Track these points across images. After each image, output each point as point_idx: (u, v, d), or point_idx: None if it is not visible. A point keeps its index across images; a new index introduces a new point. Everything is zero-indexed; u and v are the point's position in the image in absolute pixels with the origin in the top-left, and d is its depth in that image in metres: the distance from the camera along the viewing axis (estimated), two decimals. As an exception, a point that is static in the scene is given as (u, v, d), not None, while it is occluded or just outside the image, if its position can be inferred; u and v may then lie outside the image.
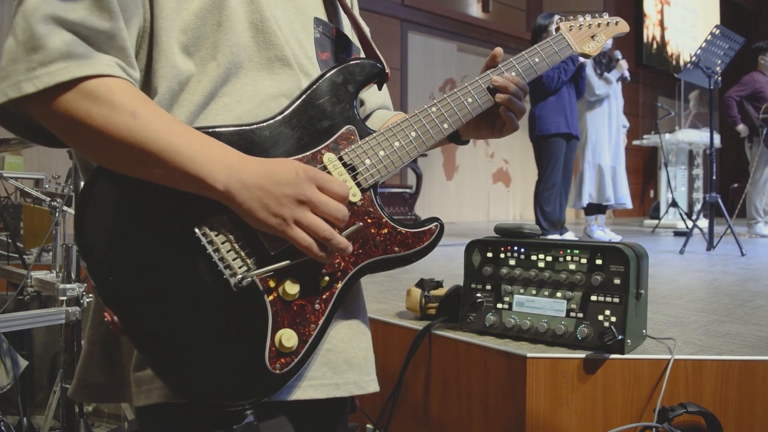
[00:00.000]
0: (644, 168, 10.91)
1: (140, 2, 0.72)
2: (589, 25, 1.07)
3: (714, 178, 4.16)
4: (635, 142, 7.51)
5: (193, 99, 0.76)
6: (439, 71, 8.08)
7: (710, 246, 4.06)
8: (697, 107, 8.44)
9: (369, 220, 0.80)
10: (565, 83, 4.22)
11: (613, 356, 1.25)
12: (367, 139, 0.82)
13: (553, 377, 1.26)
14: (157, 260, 0.70)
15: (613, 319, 1.24)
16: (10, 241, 2.63)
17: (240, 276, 0.71)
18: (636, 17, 10.66)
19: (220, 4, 0.76)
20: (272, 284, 0.73)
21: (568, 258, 1.30)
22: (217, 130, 0.73)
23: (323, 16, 0.91)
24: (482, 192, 8.76)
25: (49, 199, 2.23)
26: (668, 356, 1.25)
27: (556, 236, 4.14)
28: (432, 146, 0.89)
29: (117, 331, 0.68)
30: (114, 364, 0.82)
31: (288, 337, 0.73)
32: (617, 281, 1.24)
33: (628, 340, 1.24)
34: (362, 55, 0.97)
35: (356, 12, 1.02)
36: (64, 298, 1.96)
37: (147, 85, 0.75)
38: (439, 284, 1.64)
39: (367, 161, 0.81)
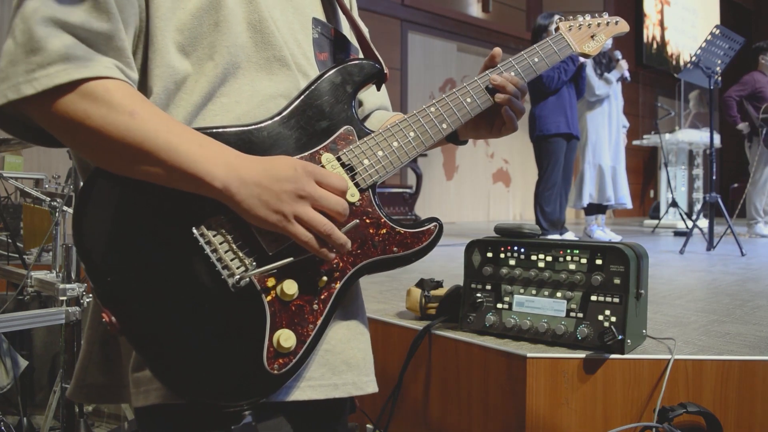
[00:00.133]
0: (644, 168, 10.91)
1: (136, 2, 0.72)
2: (589, 24, 1.07)
3: (714, 178, 4.16)
4: (635, 142, 7.51)
5: (191, 99, 0.76)
6: (439, 71, 8.08)
7: (710, 246, 4.06)
8: (697, 107, 8.44)
9: (367, 221, 0.80)
10: (566, 83, 4.21)
11: (613, 356, 1.25)
12: (365, 139, 0.82)
13: (553, 377, 1.26)
14: (155, 261, 0.70)
15: (613, 319, 1.24)
16: (10, 241, 2.63)
17: (238, 276, 0.71)
18: (636, 17, 10.66)
19: (217, 4, 0.76)
20: (270, 284, 0.73)
21: (568, 258, 1.30)
22: (215, 130, 0.73)
23: (322, 17, 0.91)
24: (482, 192, 8.76)
25: (49, 199, 2.23)
26: (668, 356, 1.25)
27: (556, 236, 4.14)
28: (431, 146, 0.89)
29: (115, 331, 0.68)
30: (112, 365, 0.82)
31: (286, 338, 0.72)
32: (617, 281, 1.24)
33: (628, 340, 1.24)
34: (361, 55, 0.96)
35: (355, 12, 1.02)
36: (64, 298, 1.96)
37: (143, 85, 0.75)
38: (439, 284, 1.64)
39: (366, 161, 0.81)
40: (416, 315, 1.64)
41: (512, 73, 0.94)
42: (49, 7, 0.64)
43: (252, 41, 0.79)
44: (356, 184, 0.80)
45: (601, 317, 1.25)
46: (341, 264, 0.78)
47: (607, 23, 1.09)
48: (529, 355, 1.26)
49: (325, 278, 0.77)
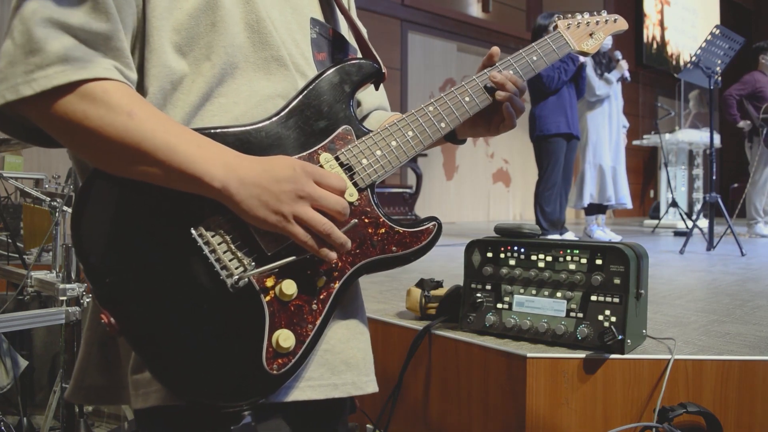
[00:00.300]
0: (644, 168, 10.91)
1: (134, 2, 0.72)
2: (588, 23, 1.06)
3: (714, 178, 4.16)
4: (635, 142, 7.51)
5: (188, 99, 0.76)
6: (439, 71, 8.08)
7: (710, 246, 4.05)
8: (697, 107, 8.44)
9: (366, 220, 0.80)
10: (566, 83, 4.21)
11: (613, 356, 1.25)
12: (363, 138, 0.82)
13: (553, 377, 1.25)
14: (153, 261, 0.70)
15: (613, 319, 1.23)
16: (10, 241, 2.63)
17: (236, 276, 0.71)
18: (636, 17, 10.66)
19: (215, 4, 0.76)
20: (269, 284, 0.73)
21: (568, 258, 1.30)
22: (213, 131, 0.73)
23: (320, 17, 0.91)
24: (482, 192, 8.76)
25: (49, 199, 2.23)
26: (668, 356, 1.25)
27: (556, 236, 4.14)
28: (429, 146, 0.89)
29: (114, 332, 0.68)
30: (111, 366, 0.82)
31: (285, 338, 0.72)
32: (617, 281, 1.24)
33: (628, 340, 1.24)
34: (359, 55, 0.96)
35: (353, 13, 1.02)
36: (64, 298, 1.96)
37: (139, 85, 0.75)
38: (439, 284, 1.64)
39: (364, 161, 0.81)
40: (416, 315, 1.64)
41: (511, 72, 0.94)
42: (48, 9, 0.64)
43: (249, 41, 0.79)
44: (355, 184, 0.80)
45: (601, 317, 1.25)
46: (340, 264, 0.78)
47: (606, 21, 1.08)
48: (529, 355, 1.26)
49: (324, 278, 0.77)
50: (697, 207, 6.12)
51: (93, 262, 0.68)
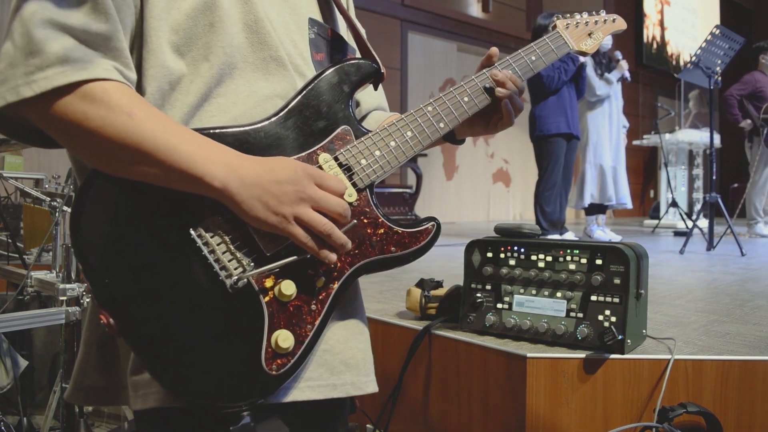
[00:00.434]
0: (644, 168, 10.90)
1: (132, 2, 0.72)
2: (586, 22, 1.07)
3: (714, 178, 4.16)
4: (635, 142, 7.51)
5: (187, 100, 0.75)
6: (439, 71, 8.08)
7: (710, 246, 4.05)
8: (698, 107, 8.44)
9: (365, 220, 0.80)
10: (566, 83, 4.21)
11: (613, 356, 1.25)
12: (362, 139, 0.82)
13: (553, 377, 1.25)
14: (152, 262, 0.69)
15: (613, 319, 1.23)
16: (10, 241, 2.63)
17: (236, 277, 0.71)
18: (636, 17, 10.65)
19: (213, 4, 0.76)
20: (268, 285, 0.73)
21: (568, 258, 1.30)
22: (212, 131, 0.73)
23: (318, 17, 0.91)
24: (482, 192, 8.76)
25: (49, 199, 2.23)
26: (668, 356, 1.25)
27: (556, 236, 4.14)
28: (428, 145, 0.89)
29: (113, 333, 0.68)
30: (110, 367, 0.82)
31: (284, 338, 0.72)
32: (617, 281, 1.23)
33: (628, 340, 1.23)
34: (358, 55, 0.96)
35: (352, 13, 1.02)
36: (64, 298, 1.96)
37: (137, 85, 0.74)
38: (439, 284, 1.64)
39: (363, 161, 0.81)
40: (416, 315, 1.64)
41: (510, 72, 0.94)
42: (48, 10, 0.65)
43: (248, 42, 0.79)
44: (354, 184, 0.80)
45: (601, 317, 1.25)
46: (339, 264, 0.78)
47: (605, 21, 1.09)
48: (529, 355, 1.26)
49: (323, 278, 0.77)
50: (697, 207, 6.12)
51: (92, 263, 0.68)
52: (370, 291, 2.18)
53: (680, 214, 6.30)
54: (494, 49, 0.96)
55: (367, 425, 1.61)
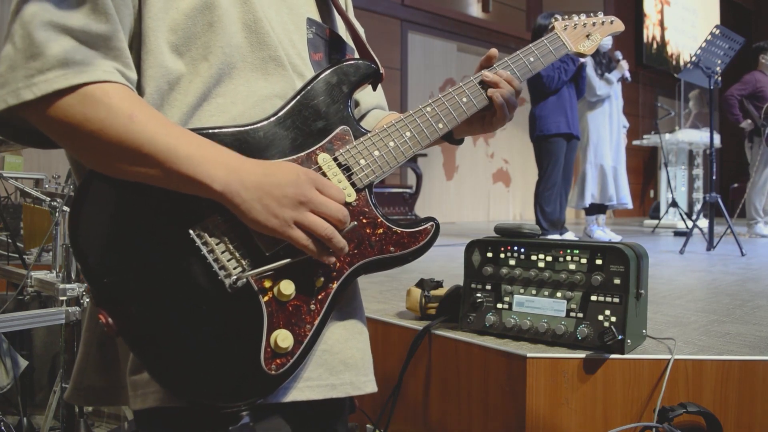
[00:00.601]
0: (644, 168, 10.90)
1: (130, 2, 0.72)
2: (584, 24, 1.07)
3: (714, 178, 4.16)
4: (635, 142, 7.51)
5: (186, 100, 0.75)
6: (439, 71, 8.08)
7: (710, 246, 4.05)
8: (698, 107, 8.44)
9: (364, 221, 0.80)
10: (566, 83, 4.21)
11: (613, 356, 1.25)
12: (361, 139, 0.82)
13: (553, 377, 1.25)
14: (152, 262, 0.69)
15: (613, 319, 1.23)
16: (10, 241, 2.63)
17: (235, 277, 0.71)
18: (636, 17, 10.65)
19: (211, 4, 0.76)
20: (267, 285, 0.73)
21: (568, 258, 1.30)
22: (211, 131, 0.73)
23: (316, 17, 0.91)
24: (482, 192, 8.76)
25: (49, 199, 2.22)
26: (668, 356, 1.25)
27: (556, 236, 4.14)
28: (427, 145, 0.89)
29: (112, 333, 0.68)
30: (110, 367, 0.82)
31: (283, 338, 0.72)
32: (617, 281, 1.23)
33: (628, 340, 1.23)
34: (356, 55, 0.96)
35: (350, 13, 1.02)
36: (64, 298, 1.96)
37: (136, 86, 0.74)
38: (439, 284, 1.64)
39: (362, 161, 0.81)
40: (416, 315, 1.64)
41: (508, 73, 0.95)
42: (48, 11, 0.64)
43: (247, 41, 0.79)
44: (353, 184, 0.80)
45: (601, 317, 1.25)
46: (338, 264, 0.78)
47: (602, 22, 1.09)
48: (529, 355, 1.26)
49: (322, 278, 0.77)
50: (697, 207, 6.12)
51: (90, 262, 0.68)
52: (370, 291, 2.18)
53: (680, 214, 6.30)
54: (493, 51, 0.96)
55: (367, 425, 1.61)
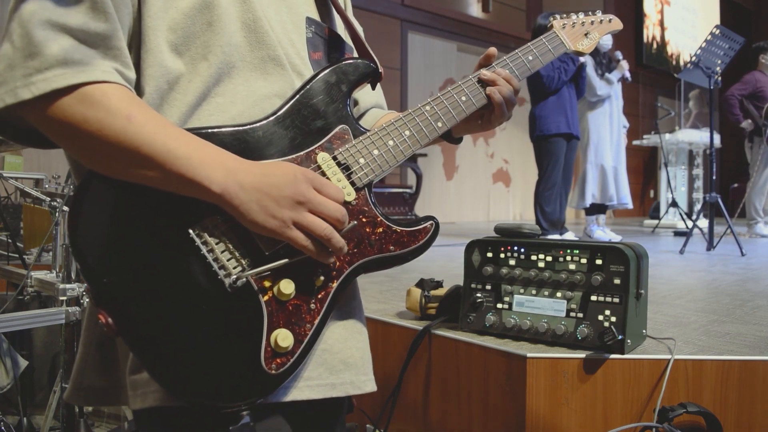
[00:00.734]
0: (644, 168, 10.90)
1: (129, 1, 0.72)
2: (582, 23, 1.07)
3: (714, 178, 4.16)
4: (635, 142, 7.51)
5: (185, 99, 0.75)
6: (439, 71, 8.08)
7: (710, 246, 4.05)
8: (698, 107, 8.44)
9: (364, 220, 0.80)
10: (566, 83, 4.22)
11: (613, 356, 1.25)
12: (360, 138, 0.82)
13: (553, 377, 1.25)
14: (151, 261, 0.69)
15: (613, 319, 1.23)
16: (10, 241, 2.63)
17: (235, 276, 0.71)
18: (636, 17, 10.65)
19: (211, 3, 0.76)
20: (267, 284, 0.73)
21: (568, 258, 1.30)
22: (210, 130, 0.73)
23: (315, 16, 0.91)
24: (482, 192, 8.76)
25: (49, 199, 2.22)
26: (668, 356, 1.25)
27: (556, 236, 4.14)
28: (426, 144, 0.89)
29: (111, 333, 0.67)
30: (110, 367, 0.82)
31: (283, 337, 0.72)
32: (617, 281, 1.23)
33: (628, 340, 1.23)
34: (355, 54, 0.96)
35: (349, 12, 1.02)
36: (64, 298, 1.96)
37: (136, 85, 0.74)
38: (439, 284, 1.64)
39: (361, 160, 0.81)
40: (416, 315, 1.64)
41: (506, 71, 0.95)
42: (47, 10, 0.64)
43: (246, 41, 0.79)
44: (352, 183, 0.80)
45: (601, 317, 1.25)
46: (338, 263, 0.78)
47: (601, 21, 1.09)
48: (529, 355, 1.26)
49: (322, 278, 0.77)
50: (697, 207, 6.12)
51: (90, 263, 0.68)
52: (370, 291, 2.18)
53: (680, 214, 6.30)
54: (492, 50, 0.96)
55: (367, 425, 1.61)
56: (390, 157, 0.83)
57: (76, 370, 0.83)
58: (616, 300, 1.23)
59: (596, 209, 4.90)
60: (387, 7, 7.38)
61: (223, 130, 0.74)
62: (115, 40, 0.69)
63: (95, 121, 0.65)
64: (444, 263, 3.13)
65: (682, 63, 11.25)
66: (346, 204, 0.78)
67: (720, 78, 4.47)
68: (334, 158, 0.80)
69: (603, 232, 4.82)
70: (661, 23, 11.19)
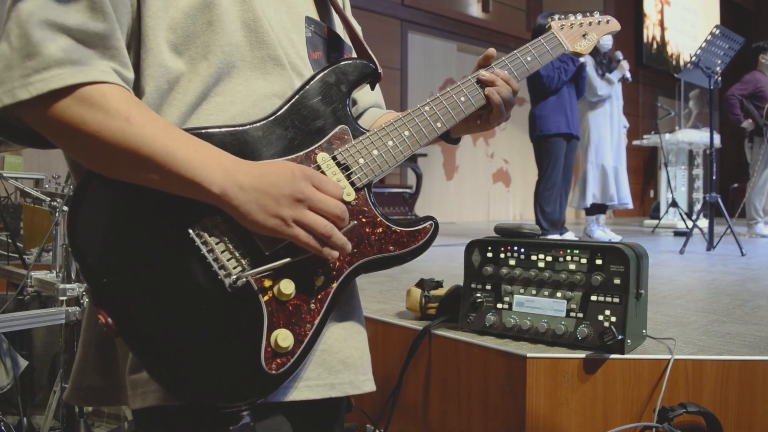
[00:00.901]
0: (644, 168, 10.90)
1: (128, 1, 0.71)
2: (581, 23, 1.07)
3: (714, 178, 4.16)
4: (635, 142, 7.51)
5: (185, 99, 0.75)
6: (439, 71, 8.08)
7: (710, 246, 4.05)
8: (698, 107, 8.44)
9: (363, 220, 0.80)
10: (566, 83, 4.22)
11: (613, 356, 1.25)
12: (360, 138, 0.82)
13: (553, 377, 1.25)
14: (151, 261, 0.69)
15: (613, 319, 1.23)
16: (10, 241, 2.63)
17: (235, 276, 0.71)
18: (636, 17, 10.65)
19: (211, 3, 0.75)
20: (267, 284, 0.73)
21: (568, 258, 1.30)
22: (209, 130, 0.73)
23: (315, 16, 0.91)
24: (482, 192, 8.76)
25: (49, 199, 2.23)
26: (668, 356, 1.25)
27: (556, 236, 4.14)
28: (425, 144, 0.89)
29: (111, 333, 0.67)
30: (110, 367, 0.82)
31: (284, 337, 0.72)
32: (617, 281, 1.23)
33: (628, 340, 1.23)
34: (354, 54, 0.96)
35: (348, 12, 1.02)
36: (64, 298, 1.96)
37: (135, 85, 0.74)
38: (439, 284, 1.64)
39: (361, 160, 0.81)
40: (416, 315, 1.64)
41: (505, 72, 0.95)
42: (45, 10, 0.64)
43: (246, 40, 0.79)
44: (352, 183, 0.80)
45: (601, 317, 1.25)
46: (338, 263, 0.78)
47: (599, 22, 1.09)
48: (529, 355, 1.26)
49: (322, 278, 0.77)
50: (697, 207, 6.12)
51: (89, 263, 0.68)
52: (370, 291, 2.18)
53: (680, 214, 6.30)
54: (491, 50, 0.96)
55: (367, 425, 1.61)
56: (389, 158, 0.83)
57: (75, 370, 0.83)
58: (616, 300, 1.23)
59: (596, 209, 4.91)
60: (387, 7, 7.38)
61: (223, 130, 0.74)
62: (114, 40, 0.69)
63: (94, 122, 0.65)
64: (444, 263, 3.13)
65: (682, 63, 11.25)
66: (345, 204, 0.78)
67: (720, 78, 4.47)
68: (334, 158, 0.80)
69: (603, 232, 4.82)
70: (661, 23, 11.19)
